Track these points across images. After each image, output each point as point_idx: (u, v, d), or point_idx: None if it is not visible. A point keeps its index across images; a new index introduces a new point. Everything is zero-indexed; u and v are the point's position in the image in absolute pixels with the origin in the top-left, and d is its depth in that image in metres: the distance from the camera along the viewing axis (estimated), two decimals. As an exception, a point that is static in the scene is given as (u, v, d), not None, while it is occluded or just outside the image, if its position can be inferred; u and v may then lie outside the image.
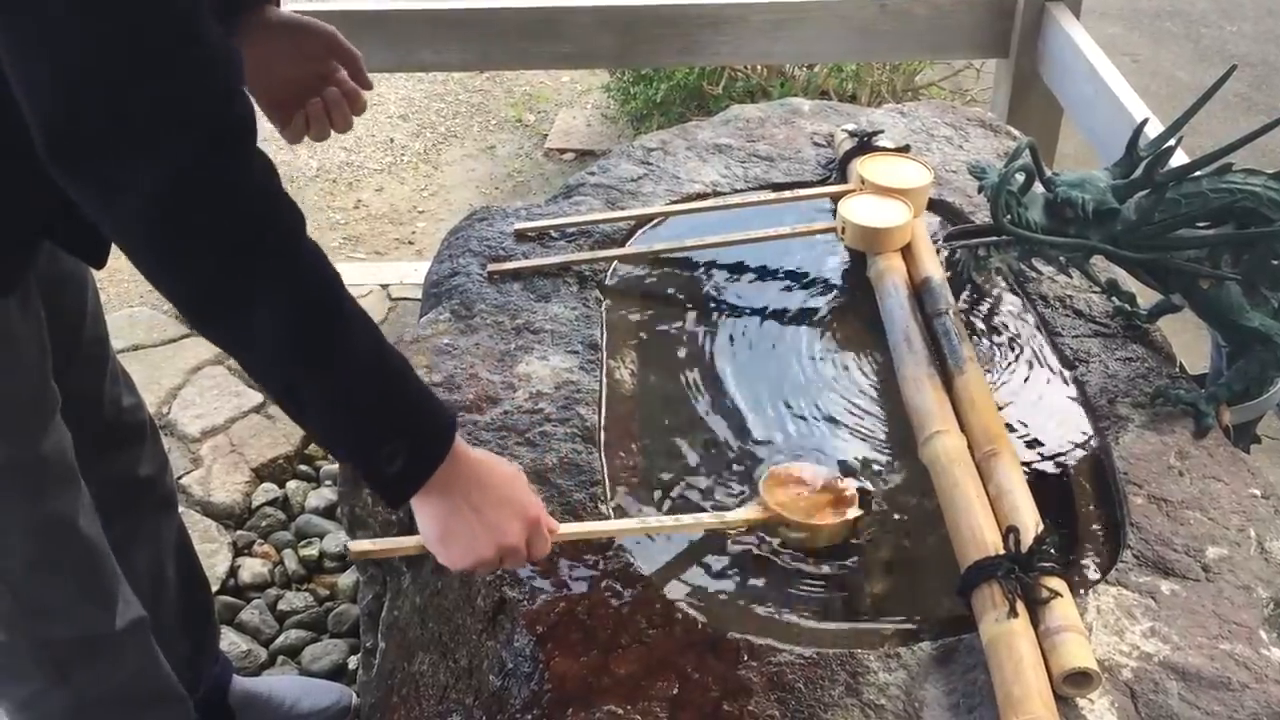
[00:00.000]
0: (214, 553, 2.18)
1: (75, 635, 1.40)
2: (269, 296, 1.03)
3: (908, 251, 1.72)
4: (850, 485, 1.40)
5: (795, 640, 1.23)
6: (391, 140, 4.01)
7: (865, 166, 1.81)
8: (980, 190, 1.54)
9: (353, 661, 2.02)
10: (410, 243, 3.51)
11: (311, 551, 2.23)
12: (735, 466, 1.45)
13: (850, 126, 1.98)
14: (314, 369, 1.07)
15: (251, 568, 2.19)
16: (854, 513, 1.36)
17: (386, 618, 1.47)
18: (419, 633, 1.38)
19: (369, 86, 1.45)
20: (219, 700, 1.80)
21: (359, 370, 1.08)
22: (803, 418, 1.52)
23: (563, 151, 3.97)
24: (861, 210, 1.73)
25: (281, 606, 2.15)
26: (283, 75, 1.40)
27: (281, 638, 2.09)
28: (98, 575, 1.40)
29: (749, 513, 1.36)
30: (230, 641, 2.03)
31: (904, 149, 1.89)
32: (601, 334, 1.63)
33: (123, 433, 1.57)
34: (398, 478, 1.13)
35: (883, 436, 1.50)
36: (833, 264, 1.80)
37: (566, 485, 1.39)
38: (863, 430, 1.51)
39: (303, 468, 2.40)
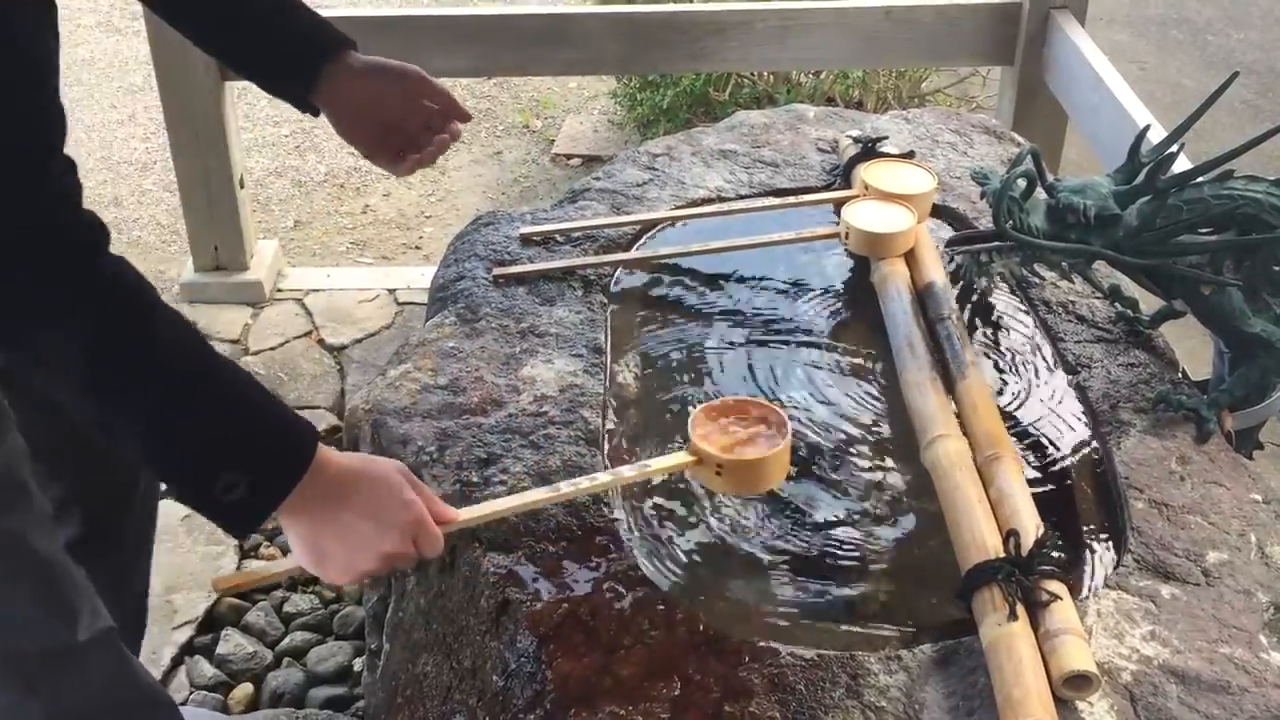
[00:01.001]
0: (220, 555, 2.19)
1: (38, 649, 1.36)
2: (63, 317, 0.95)
3: (911, 257, 1.73)
4: (780, 413, 1.32)
5: (796, 642, 1.23)
6: (399, 146, 4.02)
7: (869, 172, 1.82)
8: (983, 196, 1.55)
9: (358, 663, 2.02)
10: (417, 248, 3.52)
11: (317, 554, 2.24)
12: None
13: (855, 133, 1.99)
14: (120, 397, 0.98)
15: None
16: (783, 442, 1.28)
17: (391, 619, 1.48)
18: (423, 634, 1.39)
19: (468, 119, 1.51)
20: None
21: (179, 397, 1.00)
22: (805, 421, 1.53)
23: (569, 157, 3.99)
24: (865, 216, 1.73)
25: (287, 609, 2.15)
26: (379, 120, 1.45)
27: (287, 640, 2.10)
28: (55, 589, 1.36)
29: (673, 459, 1.31)
30: (236, 644, 2.04)
31: (908, 155, 1.90)
32: (606, 338, 1.64)
33: None
34: (238, 508, 1.04)
35: (885, 440, 1.51)
36: (836, 269, 1.80)
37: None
38: (865, 433, 1.51)
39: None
